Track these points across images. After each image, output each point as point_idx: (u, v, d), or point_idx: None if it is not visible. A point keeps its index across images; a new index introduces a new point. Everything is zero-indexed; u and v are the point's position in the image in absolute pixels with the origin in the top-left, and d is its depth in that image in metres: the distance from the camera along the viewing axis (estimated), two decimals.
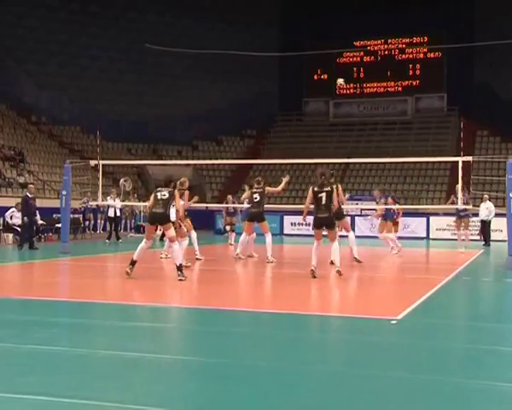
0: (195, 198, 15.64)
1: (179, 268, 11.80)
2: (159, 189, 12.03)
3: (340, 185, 15.25)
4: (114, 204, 24.23)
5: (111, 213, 24.52)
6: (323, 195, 12.09)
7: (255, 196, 15.91)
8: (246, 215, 17.01)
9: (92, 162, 20.50)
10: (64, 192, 18.30)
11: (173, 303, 10.14)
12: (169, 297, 10.67)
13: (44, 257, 17.39)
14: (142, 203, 28.00)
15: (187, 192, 14.97)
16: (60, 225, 19.84)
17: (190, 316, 9.14)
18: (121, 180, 28.69)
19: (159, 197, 11.90)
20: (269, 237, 15.64)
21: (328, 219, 12.22)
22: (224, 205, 23.16)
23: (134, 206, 30.91)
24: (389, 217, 17.93)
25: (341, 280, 12.32)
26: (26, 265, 15.72)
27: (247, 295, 11.17)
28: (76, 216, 26.87)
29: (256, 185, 15.96)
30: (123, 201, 26.55)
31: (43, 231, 24.10)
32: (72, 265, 15.48)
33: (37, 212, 21.62)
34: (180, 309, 9.64)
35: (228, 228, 22.81)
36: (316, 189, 12.34)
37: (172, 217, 13.33)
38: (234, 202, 23.31)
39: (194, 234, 16.02)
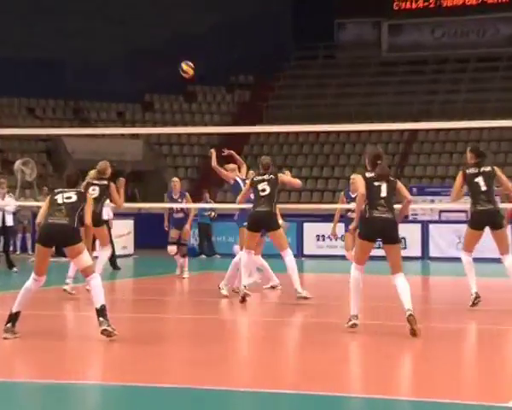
0: (120, 186, 13.13)
1: (101, 313, 8.68)
2: (59, 189, 9.29)
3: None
4: (3, 205, 19.60)
5: None
6: (383, 185, 9.19)
7: (262, 186, 12.12)
8: (244, 219, 12.88)
9: None
10: None
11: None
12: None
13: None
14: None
15: (112, 186, 12.83)
16: None
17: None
18: (17, 163, 22.06)
19: (59, 201, 9.11)
20: (289, 257, 12.13)
21: (391, 228, 9.10)
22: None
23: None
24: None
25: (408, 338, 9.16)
26: None
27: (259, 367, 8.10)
28: None
29: (262, 170, 12.27)
30: (19, 199, 22.03)
31: None
32: None
33: None
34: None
35: (172, 250, 16.34)
36: (369, 175, 9.33)
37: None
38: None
39: (105, 252, 13.15)
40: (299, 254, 23.85)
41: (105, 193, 12.72)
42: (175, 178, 16.87)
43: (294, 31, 40.99)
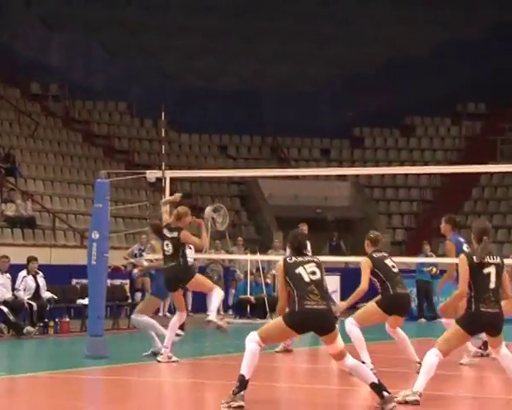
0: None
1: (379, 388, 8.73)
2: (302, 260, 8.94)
3: None
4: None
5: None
6: (491, 270, 9.30)
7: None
8: None
9: (151, 174, 16.19)
10: (96, 234, 14.63)
11: None
12: None
13: (54, 366, 13.70)
14: (252, 257, 23.68)
15: (184, 233, 12.48)
16: (86, 302, 16.78)
17: None
18: (207, 210, 18.53)
19: (306, 279, 8.86)
20: None
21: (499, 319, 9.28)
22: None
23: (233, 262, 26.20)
24: None
25: None
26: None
27: None
28: (118, 283, 23.67)
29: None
30: (209, 251, 21.55)
31: (53, 312, 20.12)
32: (117, 385, 11.93)
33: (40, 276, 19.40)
34: None
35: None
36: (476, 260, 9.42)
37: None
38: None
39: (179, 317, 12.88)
40: None
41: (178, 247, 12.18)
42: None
43: None
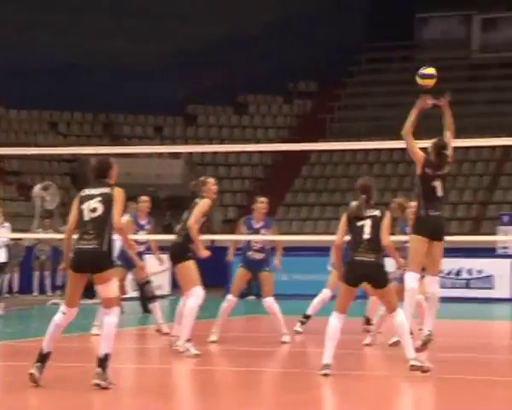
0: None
1: (103, 363, 8.53)
2: (86, 190, 8.51)
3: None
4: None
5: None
6: (366, 223, 9.60)
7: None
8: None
9: None
10: None
11: None
12: None
13: None
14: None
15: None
16: None
17: None
18: (36, 188, 22.32)
19: (85, 209, 8.35)
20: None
21: (375, 268, 9.52)
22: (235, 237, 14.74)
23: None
24: None
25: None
26: None
27: None
28: None
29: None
30: (38, 230, 22.83)
31: None
32: None
33: None
34: None
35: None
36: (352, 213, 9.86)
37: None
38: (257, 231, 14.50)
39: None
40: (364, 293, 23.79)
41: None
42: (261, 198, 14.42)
43: (366, 28, 39.27)
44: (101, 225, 8.31)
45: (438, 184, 9.76)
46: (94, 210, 8.36)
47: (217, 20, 36.42)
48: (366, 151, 33.34)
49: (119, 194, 8.30)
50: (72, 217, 8.46)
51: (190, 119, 36.16)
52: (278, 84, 36.96)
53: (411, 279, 9.76)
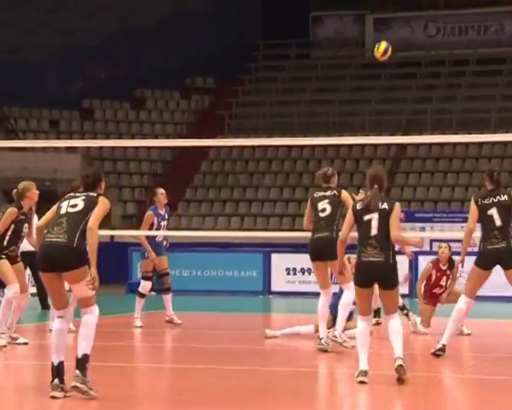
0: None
1: (82, 364, 8.26)
2: (72, 194, 8.59)
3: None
4: None
5: None
6: (374, 217, 9.10)
7: (322, 205, 11.93)
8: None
9: None
10: None
11: None
12: None
13: None
14: None
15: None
16: None
17: None
18: None
19: (64, 206, 8.26)
20: (347, 294, 11.86)
21: (385, 267, 9.14)
22: (146, 232, 15.89)
23: None
24: None
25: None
26: None
27: None
28: None
29: (324, 184, 11.92)
30: None
31: None
32: None
33: None
34: None
35: (146, 285, 15.43)
36: (359, 207, 9.22)
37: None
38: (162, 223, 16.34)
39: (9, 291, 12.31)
40: (265, 290, 25.20)
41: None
42: (161, 190, 15.88)
43: (263, 25, 39.77)
44: (78, 221, 8.04)
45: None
46: (74, 206, 8.16)
47: (113, 14, 36.12)
48: (265, 147, 33.70)
49: (104, 201, 8.14)
50: (48, 214, 8.23)
51: (87, 113, 36.06)
52: (175, 80, 37.15)
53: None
